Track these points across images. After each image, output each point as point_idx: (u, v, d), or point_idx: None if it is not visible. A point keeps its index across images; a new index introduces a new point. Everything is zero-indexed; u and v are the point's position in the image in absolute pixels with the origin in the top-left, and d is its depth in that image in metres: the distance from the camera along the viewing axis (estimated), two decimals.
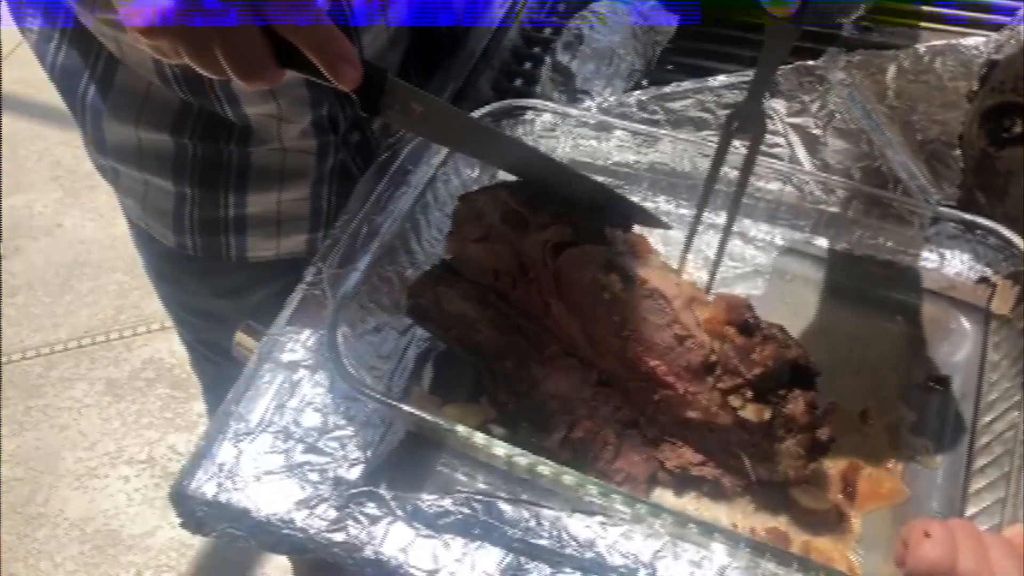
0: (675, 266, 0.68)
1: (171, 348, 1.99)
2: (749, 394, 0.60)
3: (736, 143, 0.67)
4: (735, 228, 0.79)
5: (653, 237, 0.69)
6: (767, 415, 0.60)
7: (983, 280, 0.74)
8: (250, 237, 0.91)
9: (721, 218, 0.73)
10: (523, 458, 0.59)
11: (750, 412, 0.60)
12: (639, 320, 0.62)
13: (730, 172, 0.70)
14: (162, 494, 1.78)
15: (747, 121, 0.65)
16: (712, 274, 0.71)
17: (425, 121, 0.62)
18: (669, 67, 0.97)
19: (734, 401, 0.60)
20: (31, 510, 1.78)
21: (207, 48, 0.54)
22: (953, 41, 0.87)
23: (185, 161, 0.86)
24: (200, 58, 0.55)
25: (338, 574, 0.66)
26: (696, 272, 0.75)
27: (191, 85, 0.80)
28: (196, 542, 1.72)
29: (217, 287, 0.96)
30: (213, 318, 0.99)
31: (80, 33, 0.83)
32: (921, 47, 0.87)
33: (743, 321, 0.61)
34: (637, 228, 0.69)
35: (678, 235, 0.74)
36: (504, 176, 0.74)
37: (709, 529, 0.57)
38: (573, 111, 0.83)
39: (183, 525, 0.64)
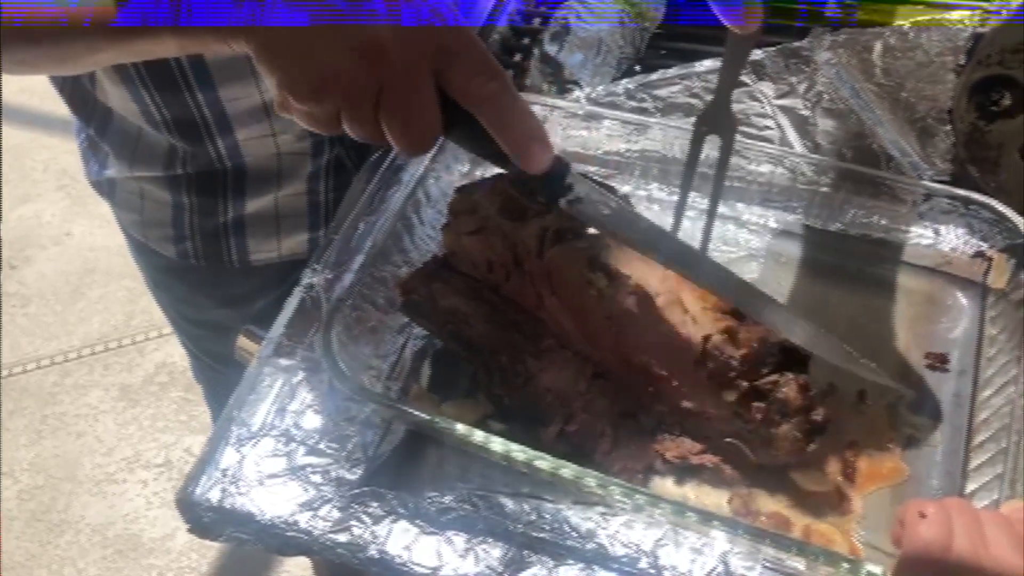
0: None
1: (183, 352, 1.99)
2: (744, 385, 0.60)
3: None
4: (728, 212, 0.79)
5: None
6: (761, 406, 0.60)
7: (979, 255, 0.74)
8: (250, 238, 0.91)
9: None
10: (520, 453, 0.59)
11: (744, 405, 0.60)
12: (627, 317, 0.61)
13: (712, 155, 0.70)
14: None
15: (716, 124, 0.65)
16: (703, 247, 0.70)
17: (605, 219, 0.58)
18: (663, 52, 0.97)
19: (728, 395, 0.60)
20: (52, 517, 1.80)
21: (372, 109, 0.49)
22: (938, 16, 0.87)
23: (180, 177, 0.87)
24: (361, 123, 0.50)
25: (356, 570, 0.66)
26: None
27: (181, 129, 0.81)
28: (216, 543, 1.73)
29: (219, 297, 0.96)
30: (216, 328, 0.99)
31: (75, 86, 0.84)
32: (906, 23, 0.86)
33: (734, 309, 0.61)
34: None
35: (669, 221, 0.74)
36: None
37: (708, 516, 0.57)
38: (561, 103, 0.83)
39: (191, 531, 0.65)
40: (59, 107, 0.89)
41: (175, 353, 2.03)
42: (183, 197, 0.88)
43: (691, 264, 0.61)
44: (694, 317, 0.61)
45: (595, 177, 0.67)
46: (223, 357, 1.00)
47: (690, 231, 0.73)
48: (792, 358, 0.60)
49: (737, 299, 0.61)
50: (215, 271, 0.93)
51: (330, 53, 0.48)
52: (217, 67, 0.77)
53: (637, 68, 0.94)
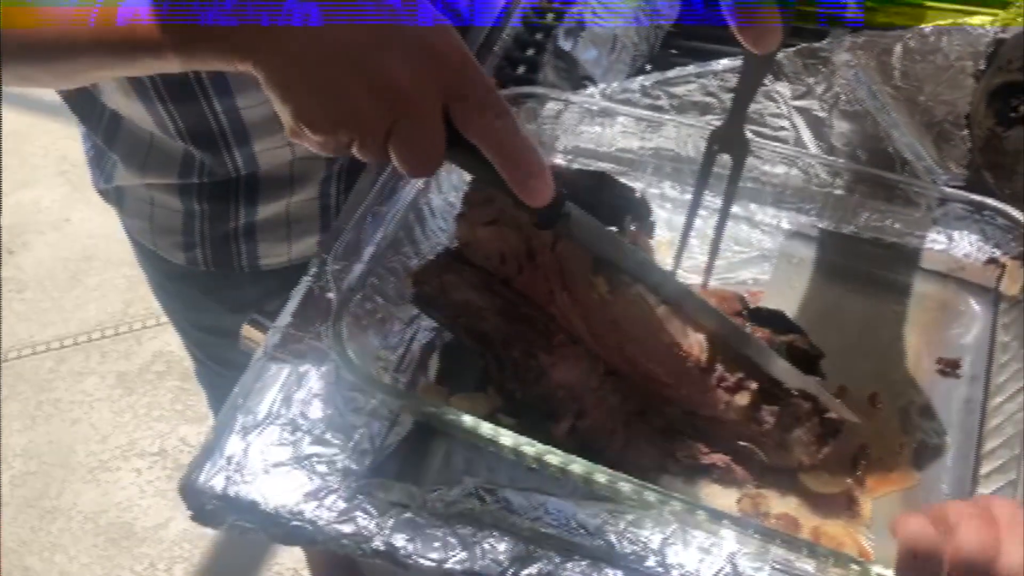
0: (675, 255, 0.68)
1: (180, 341, 1.99)
2: (753, 385, 0.59)
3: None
4: (741, 212, 0.79)
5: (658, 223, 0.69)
6: (774, 409, 0.59)
7: (992, 261, 0.74)
8: (261, 243, 0.90)
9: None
10: (530, 448, 0.58)
11: (756, 409, 0.60)
12: (629, 324, 0.61)
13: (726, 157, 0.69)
14: (174, 486, 1.76)
15: (728, 144, 0.64)
16: (708, 266, 0.69)
17: (600, 246, 0.60)
18: (673, 51, 0.96)
19: (740, 400, 0.60)
20: (45, 504, 1.79)
21: (383, 140, 0.50)
22: (959, 19, 0.86)
23: (192, 186, 0.85)
24: (371, 150, 0.51)
25: (350, 563, 0.66)
26: (702, 257, 0.74)
27: (197, 139, 0.80)
28: (209, 533, 1.73)
29: (228, 302, 0.95)
30: (223, 333, 0.97)
31: (80, 91, 0.83)
32: (927, 27, 0.86)
33: (736, 313, 0.60)
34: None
35: (681, 220, 0.74)
36: None
37: (718, 515, 0.57)
38: (576, 98, 0.82)
39: (193, 519, 0.64)
40: None
41: (172, 342, 2.03)
42: (195, 204, 0.86)
43: (679, 300, 0.61)
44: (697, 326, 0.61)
45: (613, 175, 0.67)
46: (229, 361, 0.99)
47: (701, 229, 0.73)
48: (804, 359, 0.60)
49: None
50: (224, 276, 0.92)
51: (348, 92, 0.49)
52: (234, 75, 0.76)
53: (648, 67, 0.94)
